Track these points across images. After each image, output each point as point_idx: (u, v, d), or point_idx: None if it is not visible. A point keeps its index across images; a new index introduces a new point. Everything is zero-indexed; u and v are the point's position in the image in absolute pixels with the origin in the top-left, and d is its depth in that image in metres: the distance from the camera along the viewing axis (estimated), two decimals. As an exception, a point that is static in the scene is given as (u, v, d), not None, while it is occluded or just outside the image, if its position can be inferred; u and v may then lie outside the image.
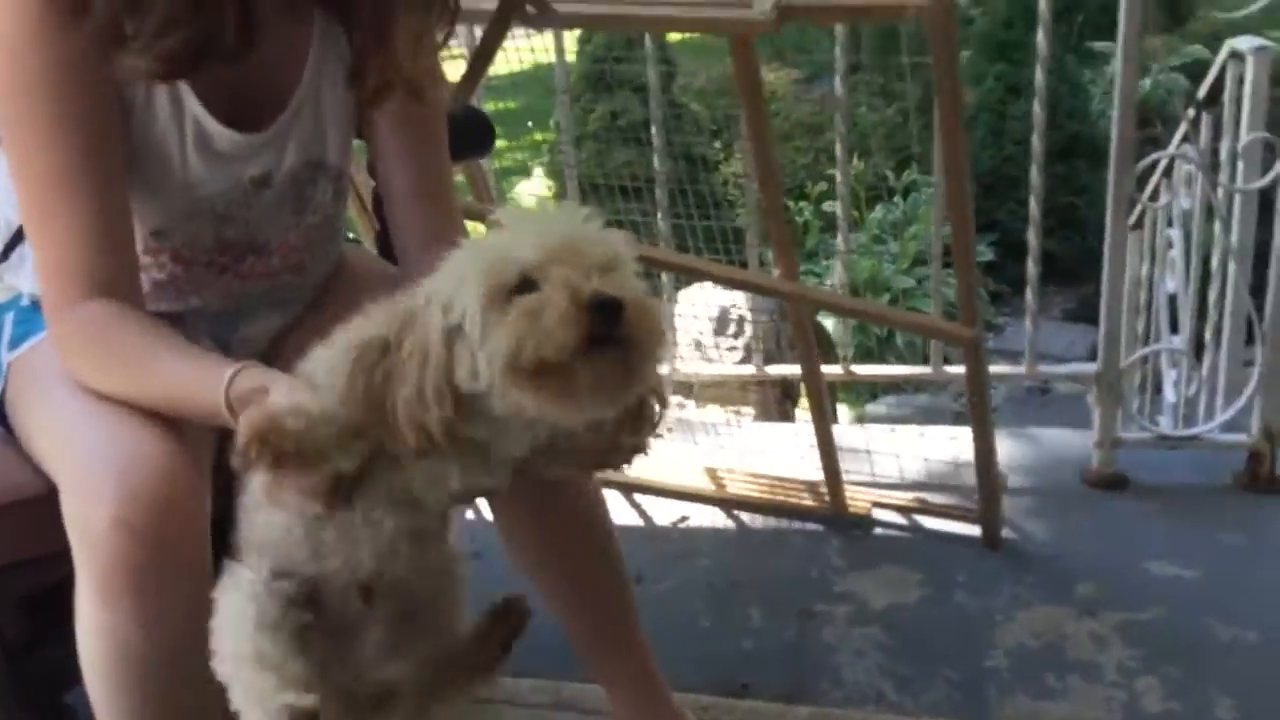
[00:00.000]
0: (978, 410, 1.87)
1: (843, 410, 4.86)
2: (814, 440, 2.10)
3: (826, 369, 2.40)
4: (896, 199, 6.22)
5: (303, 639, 1.05)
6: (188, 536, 1.08)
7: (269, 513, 1.07)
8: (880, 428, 2.47)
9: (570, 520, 1.41)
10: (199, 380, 1.06)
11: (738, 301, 4.11)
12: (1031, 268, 2.25)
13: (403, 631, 1.14)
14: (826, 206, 5.76)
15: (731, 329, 4.64)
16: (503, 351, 0.86)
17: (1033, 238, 2.21)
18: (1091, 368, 2.23)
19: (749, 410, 3.40)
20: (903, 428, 2.51)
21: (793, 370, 2.43)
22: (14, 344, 1.32)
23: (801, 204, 6.06)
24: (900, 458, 2.29)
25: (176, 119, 1.20)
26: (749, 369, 2.55)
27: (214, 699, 1.19)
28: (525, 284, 0.87)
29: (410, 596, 1.13)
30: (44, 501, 1.15)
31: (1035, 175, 2.18)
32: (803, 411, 4.09)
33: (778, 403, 3.32)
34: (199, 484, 1.11)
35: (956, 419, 4.14)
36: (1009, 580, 2.00)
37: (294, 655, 1.03)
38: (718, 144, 6.24)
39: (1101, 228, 2.12)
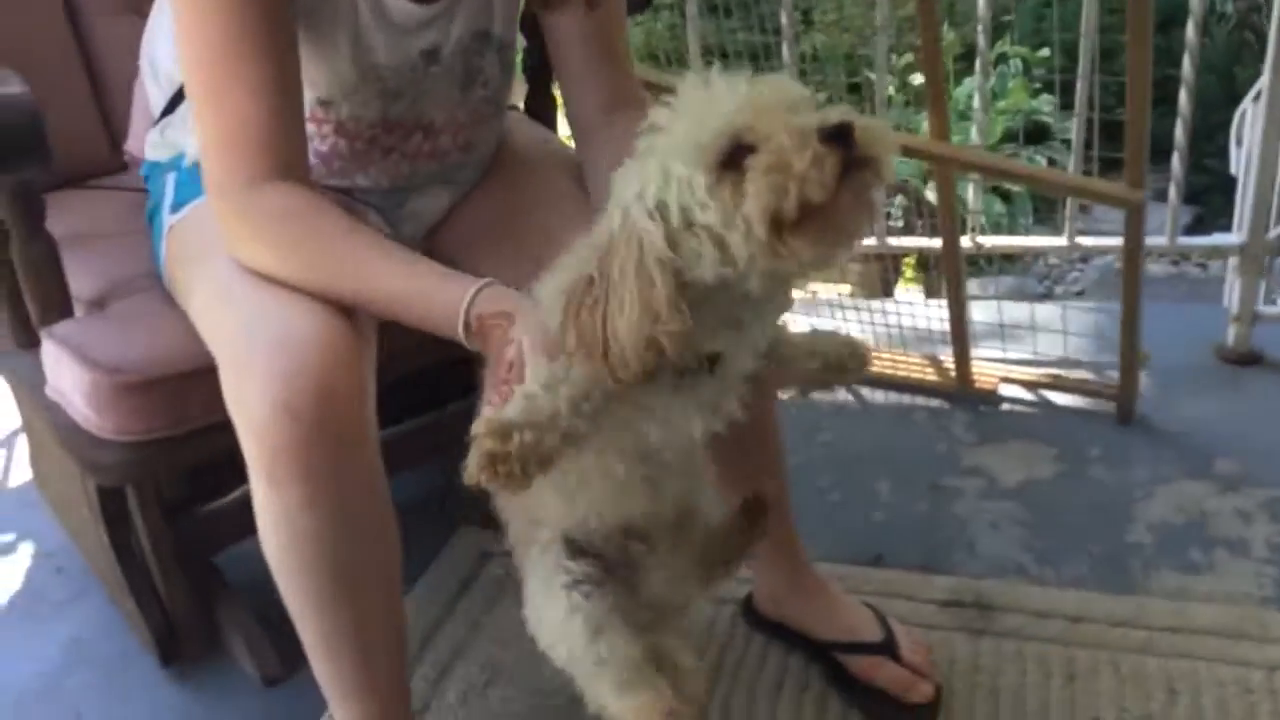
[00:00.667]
0: (1130, 281, 1.80)
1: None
2: (934, 316, 2.05)
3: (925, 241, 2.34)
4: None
5: (615, 611, 1.08)
6: (352, 418, 1.07)
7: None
8: (1009, 304, 2.38)
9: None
10: (431, 292, 1.03)
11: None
12: (1180, 134, 2.13)
13: (679, 556, 1.14)
14: (914, 79, 5.55)
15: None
16: (761, 211, 0.82)
17: (1184, 99, 2.09)
18: (1233, 239, 2.14)
19: (846, 288, 3.33)
20: (1037, 305, 2.43)
21: (924, 243, 2.36)
22: (175, 208, 1.30)
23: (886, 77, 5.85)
24: (1034, 331, 2.22)
25: None
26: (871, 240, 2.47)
27: (388, 568, 1.21)
28: (739, 151, 0.83)
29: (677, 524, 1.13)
30: (206, 374, 1.15)
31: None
32: (904, 287, 4.03)
33: (881, 279, 3.25)
34: (363, 363, 1.09)
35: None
36: (1146, 456, 1.95)
37: (623, 644, 1.06)
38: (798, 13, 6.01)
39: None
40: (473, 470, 0.87)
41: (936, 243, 2.35)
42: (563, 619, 1.08)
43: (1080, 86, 2.09)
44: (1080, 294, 5.39)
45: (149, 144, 1.41)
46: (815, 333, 1.09)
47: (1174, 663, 1.52)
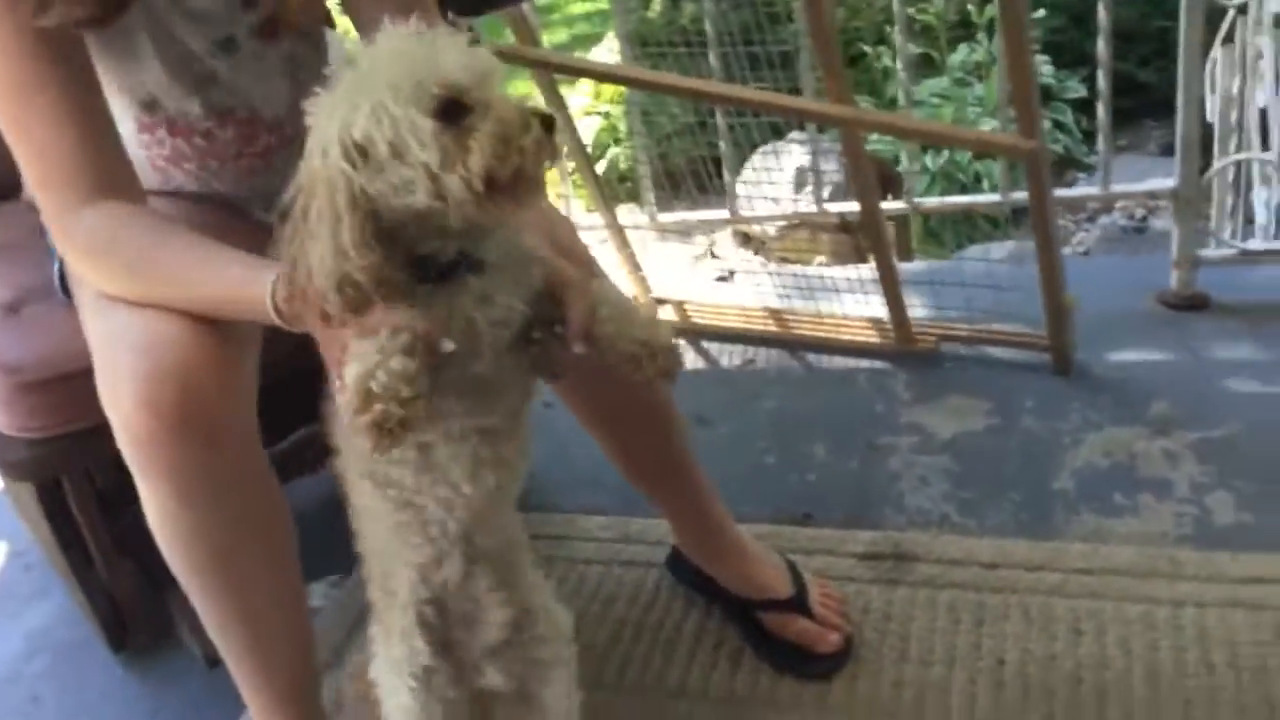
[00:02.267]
0: (1041, 229, 1.81)
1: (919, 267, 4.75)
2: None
3: (890, 205, 2.36)
4: (980, 37, 5.95)
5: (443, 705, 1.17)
6: (217, 414, 1.09)
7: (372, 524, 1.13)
8: (946, 264, 2.40)
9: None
10: (237, 292, 1.05)
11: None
12: (1102, 80, 2.13)
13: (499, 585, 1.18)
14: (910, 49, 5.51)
15: (809, 186, 4.55)
16: (482, 169, 0.89)
17: (1101, 45, 2.09)
18: (1168, 182, 2.14)
19: (823, 259, 3.35)
20: (969, 261, 2.44)
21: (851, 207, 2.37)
22: None
23: (880, 48, 5.83)
24: (967, 289, 2.23)
25: None
26: (807, 208, 2.50)
27: (277, 558, 1.25)
28: (454, 106, 0.89)
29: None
30: None
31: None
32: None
33: (855, 249, 3.26)
34: (229, 363, 1.11)
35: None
36: (1079, 404, 1.96)
37: None
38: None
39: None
40: (368, 443, 0.91)
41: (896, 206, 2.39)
42: (397, 707, 1.17)
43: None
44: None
45: None
46: (637, 312, 1.06)
47: (1083, 603, 1.54)
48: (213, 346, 1.09)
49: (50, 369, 1.34)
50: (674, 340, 1.04)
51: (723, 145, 2.39)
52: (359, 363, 0.91)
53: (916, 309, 2.21)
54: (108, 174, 1.11)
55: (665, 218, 2.52)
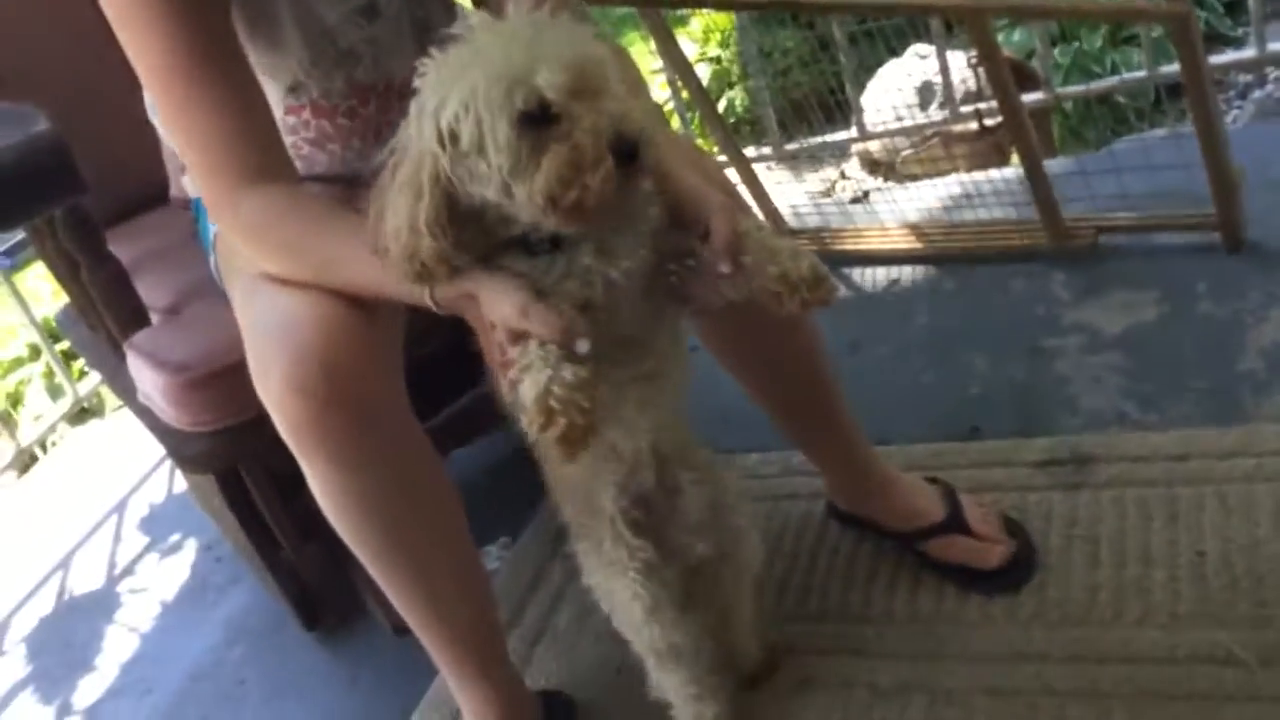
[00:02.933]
0: (1198, 100, 1.69)
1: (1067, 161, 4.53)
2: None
3: (1029, 98, 2.24)
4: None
5: (665, 594, 1.21)
6: (364, 391, 1.11)
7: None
8: (1096, 155, 2.27)
9: (765, 320, 1.38)
10: (396, 283, 1.04)
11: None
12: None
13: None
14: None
15: (938, 99, 4.38)
16: (545, 190, 0.90)
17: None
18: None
19: (960, 171, 3.22)
20: (1121, 148, 2.31)
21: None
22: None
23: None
24: (1123, 177, 2.10)
25: None
26: (936, 116, 2.40)
27: (443, 520, 1.27)
28: (543, 113, 0.90)
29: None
30: None
31: None
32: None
33: (993, 154, 3.12)
34: (371, 340, 1.13)
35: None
36: (1258, 281, 1.83)
37: (668, 630, 1.23)
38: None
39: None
40: (552, 449, 0.95)
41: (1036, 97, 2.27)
42: (626, 601, 1.22)
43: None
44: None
45: (185, 185, 1.49)
46: (781, 242, 1.04)
47: (1285, 485, 1.44)
48: (355, 325, 1.11)
49: (216, 363, 1.38)
50: (821, 270, 1.01)
51: (843, 59, 2.31)
52: (531, 381, 0.93)
53: (1069, 205, 2.09)
54: (267, 158, 1.13)
55: (791, 147, 2.46)
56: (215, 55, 1.11)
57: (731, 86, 5.14)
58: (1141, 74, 2.16)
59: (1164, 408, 1.66)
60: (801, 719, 1.37)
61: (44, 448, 2.79)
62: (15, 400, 3.94)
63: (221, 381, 1.39)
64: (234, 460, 1.56)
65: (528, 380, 0.93)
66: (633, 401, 1.10)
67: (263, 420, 1.43)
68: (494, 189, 0.93)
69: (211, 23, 1.11)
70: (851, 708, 1.36)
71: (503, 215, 0.96)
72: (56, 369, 2.84)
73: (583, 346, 0.94)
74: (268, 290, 1.15)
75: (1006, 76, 1.83)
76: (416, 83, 0.95)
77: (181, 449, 1.49)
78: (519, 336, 0.95)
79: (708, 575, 1.28)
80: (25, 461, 2.71)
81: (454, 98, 0.91)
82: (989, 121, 2.09)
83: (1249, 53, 2.10)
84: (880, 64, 4.10)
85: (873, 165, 4.27)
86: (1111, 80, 2.46)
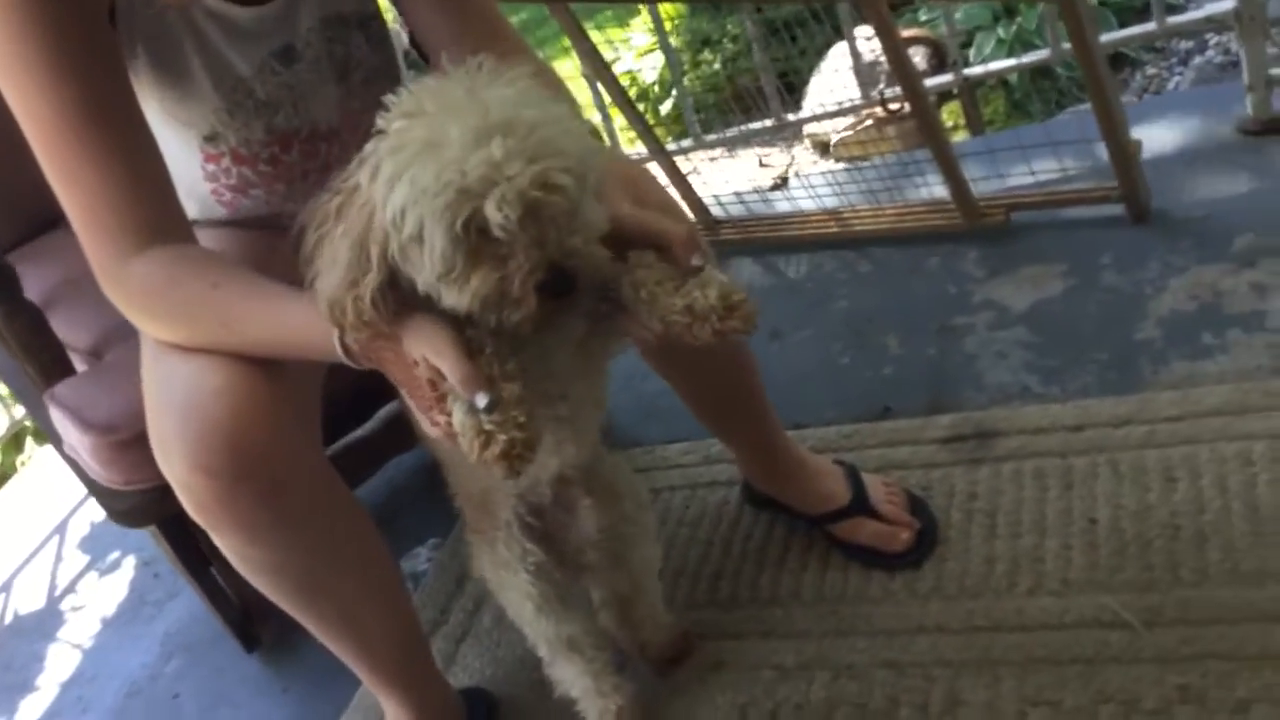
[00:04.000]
0: (1088, 72, 1.73)
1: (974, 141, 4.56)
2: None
3: (936, 81, 2.28)
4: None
5: (553, 594, 1.26)
6: (273, 463, 1.07)
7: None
8: (1004, 134, 2.30)
9: None
10: (301, 335, 1.01)
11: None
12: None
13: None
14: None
15: (881, 81, 4.41)
16: (469, 299, 0.90)
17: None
18: (1227, 4, 2.00)
19: (895, 151, 3.25)
20: (1026, 125, 2.34)
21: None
22: None
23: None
24: (1029, 155, 2.14)
25: (186, 19, 1.16)
26: (853, 97, 2.43)
27: (362, 565, 1.26)
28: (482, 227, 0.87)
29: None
30: None
31: None
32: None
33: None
34: (276, 401, 1.07)
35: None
36: (1160, 250, 1.87)
37: (554, 626, 1.28)
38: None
39: None
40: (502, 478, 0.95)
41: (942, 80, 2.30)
42: (518, 598, 1.26)
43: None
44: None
45: None
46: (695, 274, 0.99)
47: (1175, 450, 1.48)
48: (261, 392, 1.06)
49: (144, 422, 1.33)
50: (734, 297, 0.96)
51: (755, 51, 2.34)
52: (460, 408, 0.92)
53: (982, 184, 2.13)
54: (158, 218, 1.07)
55: (731, 133, 2.49)
56: (103, 119, 1.04)
57: (684, 75, 5.16)
58: (1045, 52, 2.19)
59: (1065, 380, 1.70)
60: (712, 703, 1.40)
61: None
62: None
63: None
64: (166, 514, 1.51)
65: (457, 411, 0.92)
66: (548, 441, 1.07)
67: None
68: (423, 283, 0.91)
69: (101, 85, 1.05)
70: (758, 688, 1.39)
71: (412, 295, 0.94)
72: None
73: (481, 401, 0.91)
74: (168, 359, 1.09)
75: (903, 58, 1.86)
76: (375, 136, 0.91)
77: (112, 504, 1.47)
78: (433, 381, 0.94)
79: (601, 573, 1.32)
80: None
81: (402, 187, 0.87)
82: (893, 106, 2.11)
83: (1148, 26, 2.14)
84: (828, 46, 4.13)
85: (823, 148, 4.30)
86: (1014, 61, 2.48)
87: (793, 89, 4.06)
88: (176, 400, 1.06)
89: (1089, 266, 1.91)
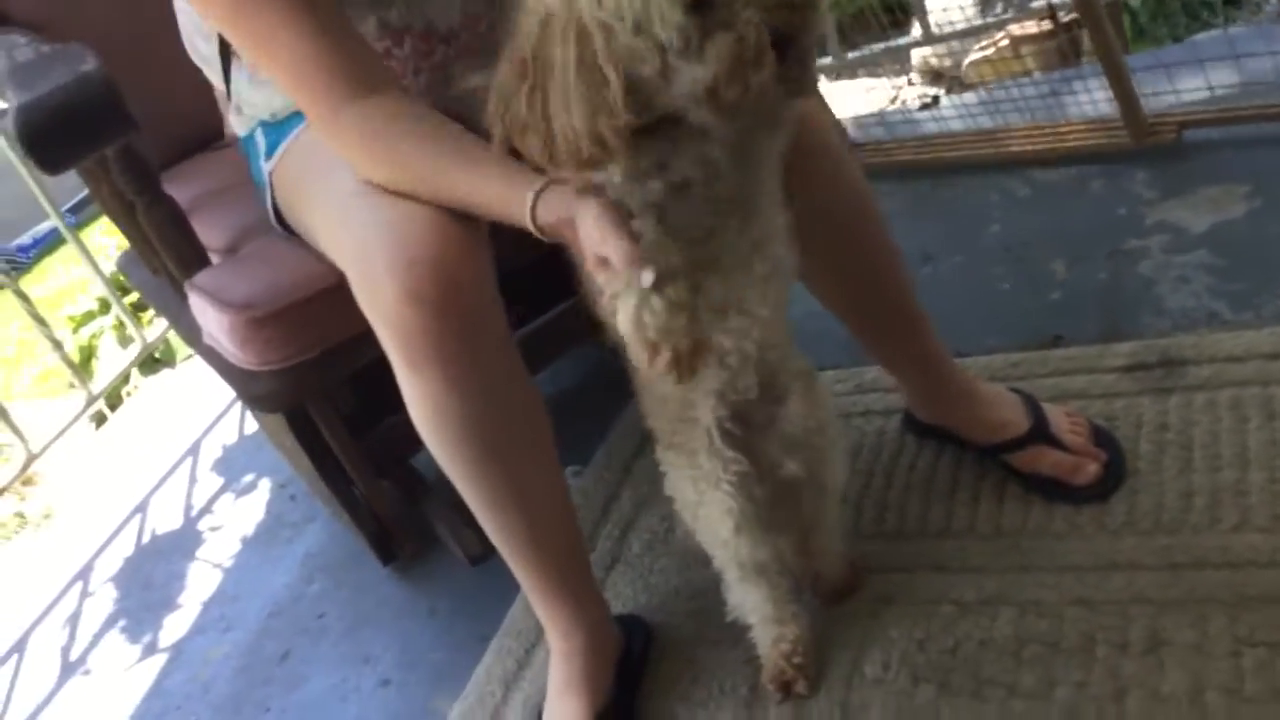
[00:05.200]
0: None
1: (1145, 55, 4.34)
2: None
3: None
4: None
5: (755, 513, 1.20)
6: (476, 302, 1.10)
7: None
8: (1177, 47, 2.15)
9: (834, 213, 1.33)
10: (497, 200, 1.04)
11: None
12: None
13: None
14: None
15: (999, 3, 4.21)
16: (710, 67, 0.87)
17: None
18: None
19: (1030, 73, 3.10)
20: (1203, 40, 2.19)
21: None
22: (268, 154, 1.37)
23: None
24: (1207, 69, 2.00)
25: None
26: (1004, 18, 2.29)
27: (536, 435, 1.25)
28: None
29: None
30: (337, 290, 1.21)
31: None
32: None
33: (1064, 54, 2.98)
34: (478, 253, 1.12)
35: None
36: (1355, 168, 1.74)
37: (753, 547, 1.22)
38: None
39: None
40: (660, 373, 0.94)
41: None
42: (717, 515, 1.20)
43: None
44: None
45: (233, 124, 1.47)
46: None
47: (1392, 380, 1.36)
48: (464, 232, 1.10)
49: (280, 300, 1.35)
50: None
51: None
52: (624, 311, 0.92)
53: (1148, 101, 1.99)
54: (362, 72, 1.11)
55: (853, 55, 2.37)
56: None
57: None
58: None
59: (1259, 305, 1.58)
60: (884, 638, 1.34)
61: (118, 398, 2.83)
62: (89, 354, 4.01)
63: (286, 319, 1.36)
64: (301, 398, 1.54)
65: (620, 310, 0.92)
66: (757, 284, 1.07)
67: (329, 357, 1.43)
68: (651, 68, 0.89)
69: None
70: (934, 623, 1.32)
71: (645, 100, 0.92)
72: (125, 319, 2.87)
73: (647, 279, 0.91)
74: (367, 200, 1.13)
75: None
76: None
77: (249, 388, 1.48)
78: (603, 262, 0.94)
79: (793, 494, 1.25)
80: (101, 413, 2.75)
81: None
82: (1063, 17, 1.98)
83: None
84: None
85: (934, 76, 4.12)
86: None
87: (902, 10, 3.89)
88: (384, 233, 1.09)
89: (1274, 186, 1.78)
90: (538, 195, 1.00)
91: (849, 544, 1.41)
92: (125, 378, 2.84)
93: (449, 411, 1.16)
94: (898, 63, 3.66)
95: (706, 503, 1.19)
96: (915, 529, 1.46)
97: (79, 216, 4.18)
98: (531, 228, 1.01)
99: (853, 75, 3.57)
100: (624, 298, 0.93)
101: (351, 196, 1.15)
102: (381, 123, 1.10)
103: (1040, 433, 1.42)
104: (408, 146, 1.10)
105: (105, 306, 3.23)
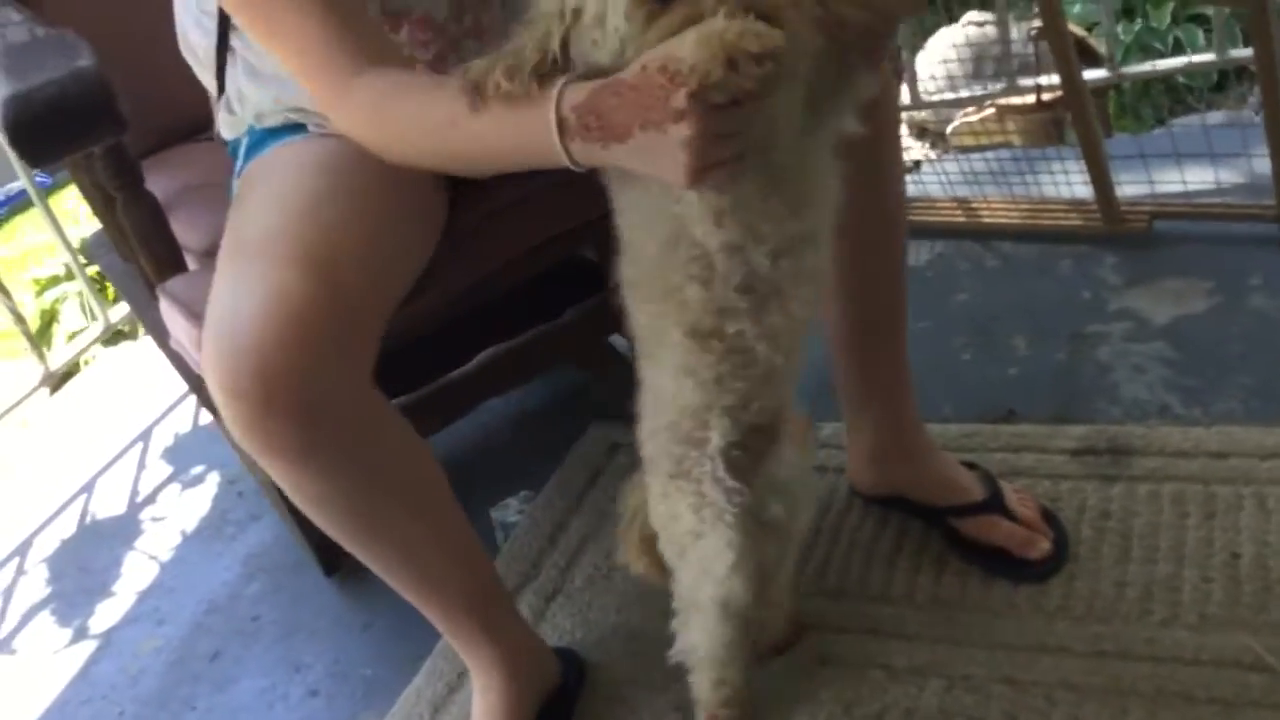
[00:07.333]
0: (1269, 90, 1.63)
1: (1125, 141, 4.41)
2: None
3: (1092, 74, 2.17)
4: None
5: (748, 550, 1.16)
6: (304, 383, 1.02)
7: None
8: (1155, 134, 2.20)
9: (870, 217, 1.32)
10: (520, 120, 0.96)
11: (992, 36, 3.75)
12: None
13: None
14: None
15: (990, 68, 4.27)
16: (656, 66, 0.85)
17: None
18: None
19: (1014, 144, 3.15)
20: (1182, 121, 2.23)
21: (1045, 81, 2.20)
22: (239, 174, 1.37)
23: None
24: (1182, 161, 2.04)
25: None
26: (991, 86, 2.33)
27: (418, 494, 1.21)
28: None
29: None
30: None
31: None
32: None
33: (1051, 126, 3.04)
34: (308, 326, 1.02)
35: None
36: (1316, 276, 1.78)
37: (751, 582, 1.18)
38: None
39: None
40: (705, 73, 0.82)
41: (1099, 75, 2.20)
42: (717, 549, 1.16)
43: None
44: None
45: (222, 124, 1.44)
46: None
47: (1330, 492, 1.40)
48: (301, 313, 1.02)
49: None
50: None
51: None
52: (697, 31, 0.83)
53: (1123, 187, 2.04)
54: (366, 46, 1.10)
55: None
56: None
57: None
58: (1209, 56, 2.08)
59: (1208, 402, 1.61)
60: (817, 698, 1.35)
61: (76, 366, 2.80)
62: (50, 318, 3.97)
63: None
64: None
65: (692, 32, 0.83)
66: (804, 278, 1.02)
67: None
68: (606, 53, 0.90)
69: None
70: (864, 688, 1.34)
71: None
72: (88, 294, 2.84)
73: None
74: (224, 262, 1.11)
75: (1071, 50, 1.77)
76: None
77: (212, 398, 1.46)
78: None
79: (760, 541, 1.21)
80: (57, 380, 2.72)
81: None
82: (1047, 96, 2.02)
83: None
84: (935, 28, 4.00)
85: (920, 131, 4.17)
86: (1178, 61, 2.37)
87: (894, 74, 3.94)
88: (212, 325, 1.05)
89: (1237, 286, 1.81)
90: (560, 92, 0.92)
91: (794, 599, 1.42)
92: (83, 351, 2.81)
93: (303, 493, 1.12)
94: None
95: (707, 534, 1.16)
96: (855, 590, 1.48)
97: (52, 179, 4.14)
98: (561, 155, 0.94)
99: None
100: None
101: (236, 248, 1.12)
102: (389, 89, 1.08)
103: (996, 502, 1.44)
104: (417, 106, 1.06)
105: (72, 273, 3.20)
